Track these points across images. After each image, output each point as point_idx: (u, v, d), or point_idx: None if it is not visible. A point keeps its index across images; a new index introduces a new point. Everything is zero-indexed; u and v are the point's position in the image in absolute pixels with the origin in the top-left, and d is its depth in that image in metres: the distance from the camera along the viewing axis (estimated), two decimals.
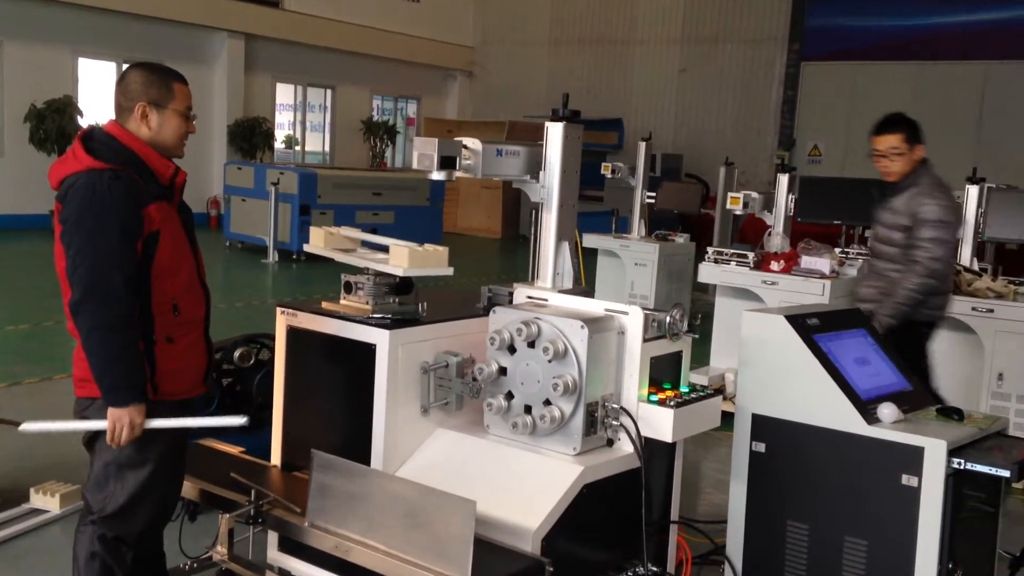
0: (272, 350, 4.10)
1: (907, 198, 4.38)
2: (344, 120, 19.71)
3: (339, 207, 13.18)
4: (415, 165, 3.21)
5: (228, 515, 3.13)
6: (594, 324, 2.96)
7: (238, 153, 16.74)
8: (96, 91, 15.80)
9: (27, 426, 2.86)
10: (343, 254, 3.41)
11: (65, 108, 14.01)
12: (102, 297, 2.59)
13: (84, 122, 14.67)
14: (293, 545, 3.12)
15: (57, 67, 14.95)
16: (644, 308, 3.08)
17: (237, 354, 4.32)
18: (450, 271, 3.26)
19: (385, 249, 3.35)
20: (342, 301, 3.32)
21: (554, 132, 3.37)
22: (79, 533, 2.88)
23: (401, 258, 3.18)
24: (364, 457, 3.11)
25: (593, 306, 3.13)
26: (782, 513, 3.25)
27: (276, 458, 3.49)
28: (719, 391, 3.40)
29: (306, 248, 3.56)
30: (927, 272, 4.20)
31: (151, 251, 2.72)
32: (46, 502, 4.16)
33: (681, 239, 8.99)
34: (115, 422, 2.66)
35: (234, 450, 3.66)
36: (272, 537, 3.24)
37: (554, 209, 3.42)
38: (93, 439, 2.83)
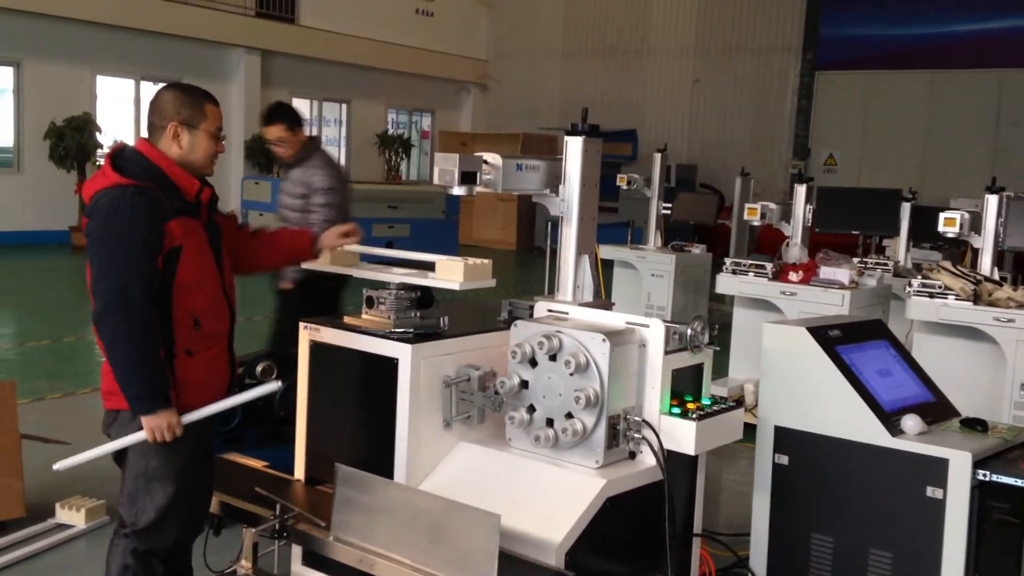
0: (293, 365, 4.13)
1: (301, 172, 5.09)
2: (359, 134, 19.81)
3: (355, 220, 13.21)
4: (435, 180, 3.24)
5: (253, 529, 3.15)
6: (616, 337, 2.97)
7: (255, 168, 16.84)
8: (114, 108, 15.96)
9: (60, 465, 2.91)
10: (379, 272, 3.44)
11: (84, 125, 14.16)
12: (123, 308, 2.66)
13: (103, 139, 14.83)
14: (317, 559, 3.13)
15: (76, 85, 15.10)
16: (665, 321, 3.09)
17: (259, 368, 4.34)
18: (493, 282, 3.30)
19: (392, 262, 3.37)
20: (364, 316, 3.34)
21: (573, 146, 3.39)
22: (113, 546, 2.92)
23: (456, 272, 3.20)
24: (387, 471, 3.12)
25: (614, 319, 3.14)
26: (806, 526, 3.24)
27: (299, 472, 3.50)
28: (739, 402, 3.40)
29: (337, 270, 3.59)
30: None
31: (173, 265, 2.77)
32: (71, 517, 4.19)
33: (697, 250, 8.97)
34: (152, 430, 2.73)
35: (257, 464, 3.68)
36: (296, 551, 3.26)
37: (574, 223, 3.43)
38: (122, 453, 2.88)
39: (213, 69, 16.82)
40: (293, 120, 5.15)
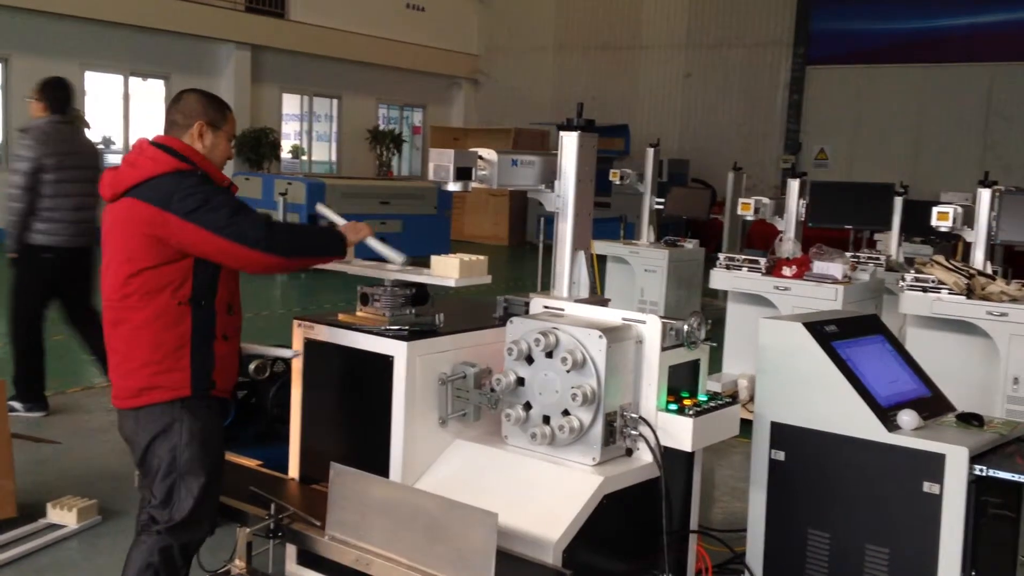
0: (286, 362, 4.11)
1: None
2: (350, 129, 19.75)
3: (347, 216, 13.05)
4: (431, 176, 3.22)
5: (247, 528, 3.13)
6: (612, 334, 2.96)
7: (245, 164, 16.78)
8: (103, 104, 15.86)
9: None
10: (373, 269, 3.41)
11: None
12: (268, 225, 2.85)
13: (92, 135, 14.71)
14: (312, 558, 3.12)
15: None
16: (661, 317, 3.07)
17: (252, 367, 4.31)
18: (489, 279, 3.29)
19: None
20: (359, 313, 3.32)
21: (569, 141, 3.38)
22: (140, 542, 2.92)
23: (451, 269, 3.19)
24: (382, 469, 3.11)
25: (610, 315, 3.13)
26: (802, 521, 3.23)
27: (294, 471, 3.49)
28: (732, 397, 3.39)
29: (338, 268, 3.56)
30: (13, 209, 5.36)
31: None
32: (63, 517, 4.16)
33: (690, 245, 8.98)
34: (357, 241, 3.12)
35: (251, 463, 3.66)
36: (291, 550, 3.24)
37: (569, 218, 3.42)
38: (143, 462, 2.88)
39: (203, 64, 16.74)
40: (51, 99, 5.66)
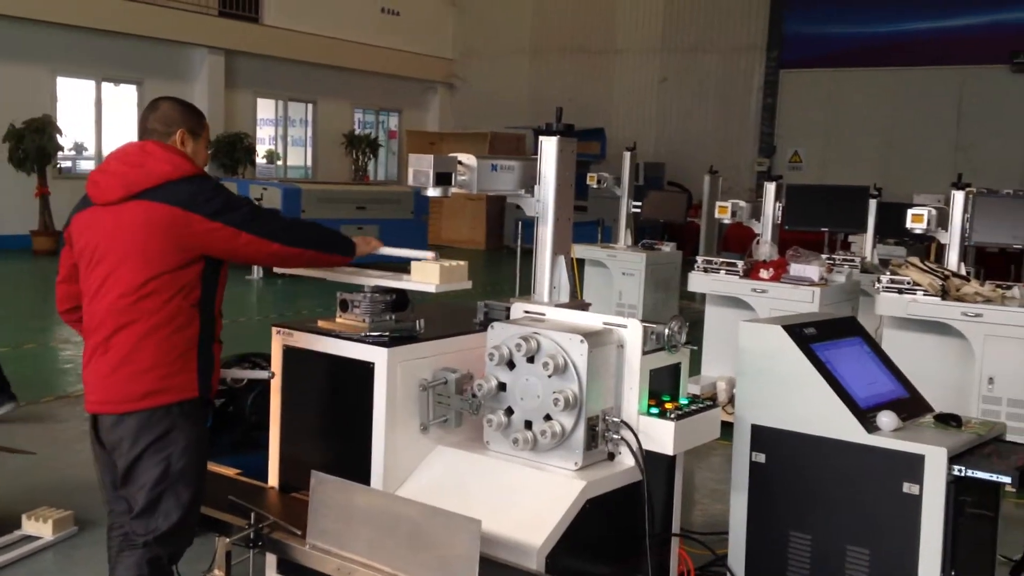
0: (265, 369, 4.07)
1: None
2: (325, 134, 19.68)
3: (323, 221, 12.98)
4: (410, 182, 3.21)
5: (227, 538, 3.10)
6: (594, 338, 2.96)
7: (220, 169, 16.66)
8: (75, 110, 15.70)
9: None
10: (353, 275, 3.38)
11: (44, 127, 13.92)
12: (287, 223, 2.99)
13: (63, 141, 14.58)
14: (292, 568, 3.08)
15: (36, 86, 14.85)
16: (643, 321, 3.08)
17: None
18: (469, 284, 3.27)
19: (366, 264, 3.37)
20: (338, 319, 3.30)
21: (548, 146, 3.37)
22: (124, 557, 2.87)
23: (432, 275, 3.17)
24: (363, 477, 3.08)
25: (591, 320, 3.12)
26: (784, 523, 3.24)
27: (273, 479, 3.45)
28: (711, 399, 3.40)
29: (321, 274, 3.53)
30: None
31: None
32: (39, 528, 4.10)
33: (668, 248, 9.02)
34: (367, 252, 3.20)
35: (230, 472, 3.62)
36: (271, 560, 3.21)
37: (549, 223, 3.41)
38: (131, 470, 2.82)
39: (176, 69, 16.62)
40: None
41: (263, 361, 4.11)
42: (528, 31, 21.18)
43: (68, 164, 16.06)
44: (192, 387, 2.84)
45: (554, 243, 3.42)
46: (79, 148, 16.15)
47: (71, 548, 4.06)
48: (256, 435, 4.02)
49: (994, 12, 16.54)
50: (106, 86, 16.07)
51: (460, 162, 3.26)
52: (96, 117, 15.94)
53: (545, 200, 3.40)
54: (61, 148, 14.51)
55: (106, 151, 15.70)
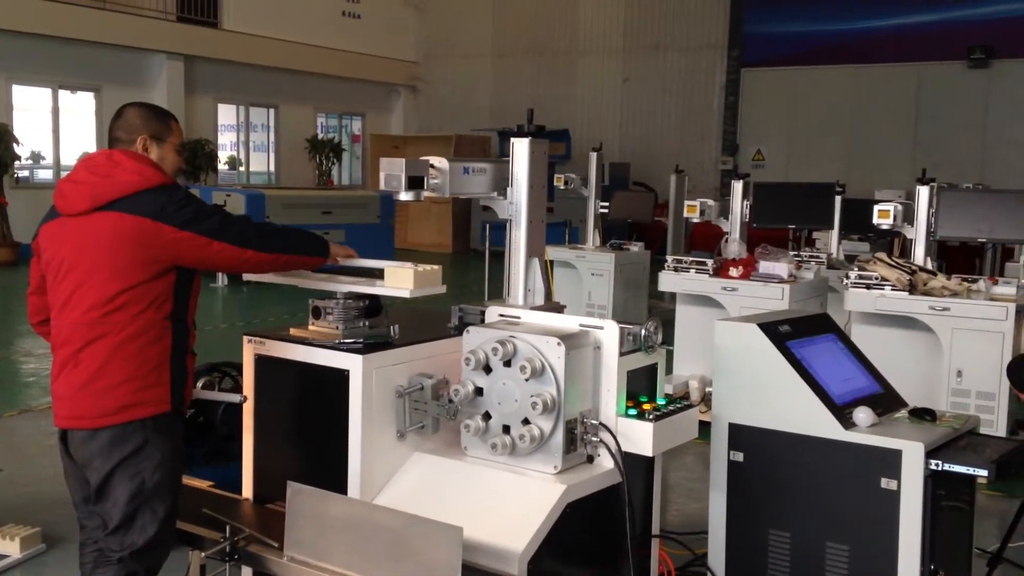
0: (235, 379, 4.00)
1: None
2: (288, 139, 19.52)
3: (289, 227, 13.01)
4: (382, 186, 3.16)
5: (201, 552, 3.04)
6: (570, 340, 2.94)
7: (181, 176, 16.45)
8: (32, 118, 15.43)
9: None
10: (324, 281, 3.33)
11: (1, 137, 13.67)
12: (259, 228, 2.95)
13: (20, 150, 14.31)
14: None
15: None
16: (619, 322, 3.06)
17: (200, 384, 4.20)
18: (443, 289, 3.24)
19: (338, 270, 3.33)
20: (311, 327, 3.24)
21: (520, 148, 3.35)
22: (99, 574, 2.83)
23: (406, 280, 3.13)
24: (340, 486, 3.04)
25: (567, 322, 3.10)
26: (763, 522, 3.24)
27: (247, 491, 3.39)
28: (684, 398, 3.40)
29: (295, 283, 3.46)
30: None
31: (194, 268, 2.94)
32: (6, 546, 4.00)
33: (636, 248, 9.04)
34: (341, 260, 3.20)
35: (202, 484, 3.55)
36: (247, 573, 3.15)
37: (523, 225, 3.39)
38: (105, 486, 2.77)
39: (135, 76, 16.39)
40: None
41: (233, 371, 4.05)
42: (490, 33, 21.16)
43: (26, 174, 15.79)
44: (165, 400, 2.80)
45: (528, 245, 3.39)
46: (36, 157, 15.88)
47: (40, 566, 3.97)
48: (228, 446, 3.96)
49: (950, 9, 16.81)
50: (63, 94, 15.82)
51: (432, 165, 3.22)
52: (53, 126, 15.68)
53: (518, 202, 3.38)
54: (18, 157, 14.26)
55: (64, 160, 15.47)
